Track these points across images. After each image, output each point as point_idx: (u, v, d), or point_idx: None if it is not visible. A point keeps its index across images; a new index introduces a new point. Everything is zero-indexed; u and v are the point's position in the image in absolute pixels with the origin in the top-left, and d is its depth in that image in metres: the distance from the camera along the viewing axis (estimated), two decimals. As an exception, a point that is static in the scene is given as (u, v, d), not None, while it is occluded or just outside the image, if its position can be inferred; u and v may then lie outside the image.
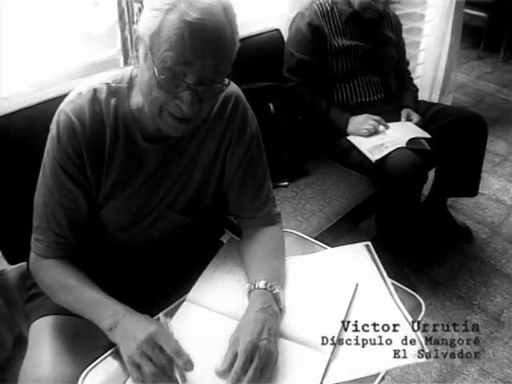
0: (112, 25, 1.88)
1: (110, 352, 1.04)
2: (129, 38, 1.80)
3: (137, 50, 1.00)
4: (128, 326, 0.99)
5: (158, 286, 1.23)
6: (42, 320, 1.19)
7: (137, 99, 1.08)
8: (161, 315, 1.06)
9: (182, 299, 1.16)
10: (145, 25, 0.95)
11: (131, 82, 1.10)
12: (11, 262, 1.48)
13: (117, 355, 1.01)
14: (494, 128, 3.72)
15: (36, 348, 1.13)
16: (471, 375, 1.95)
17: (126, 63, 1.88)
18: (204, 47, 0.92)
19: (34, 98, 1.46)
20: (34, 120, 1.14)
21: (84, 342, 1.14)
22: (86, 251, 1.18)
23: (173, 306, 1.15)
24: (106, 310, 1.03)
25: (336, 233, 1.96)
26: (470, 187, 2.52)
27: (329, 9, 2.26)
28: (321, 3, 2.26)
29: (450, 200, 2.80)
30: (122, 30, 1.80)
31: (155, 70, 0.93)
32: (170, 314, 1.10)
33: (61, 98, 1.12)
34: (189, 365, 0.94)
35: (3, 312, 1.70)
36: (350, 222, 2.09)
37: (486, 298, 2.32)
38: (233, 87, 1.17)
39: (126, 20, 1.77)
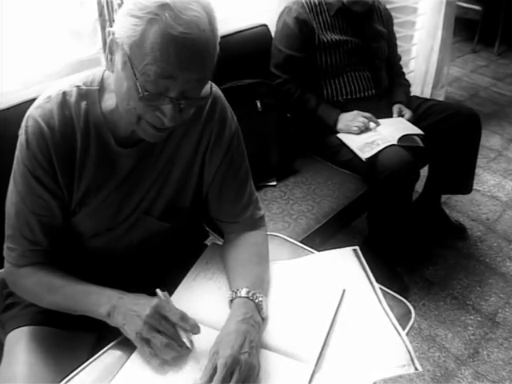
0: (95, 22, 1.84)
1: (86, 364, 1.01)
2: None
3: (111, 53, 0.96)
4: (128, 306, 1.00)
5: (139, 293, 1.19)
6: (18, 331, 1.16)
7: (110, 102, 1.05)
8: (157, 290, 1.05)
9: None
10: (123, 31, 0.89)
11: (102, 83, 1.06)
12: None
13: (95, 365, 1.00)
14: (489, 122, 3.70)
15: (11, 360, 1.11)
16: (465, 378, 1.91)
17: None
18: (190, 62, 0.88)
19: (19, 97, 1.45)
20: (20, 119, 1.12)
21: (60, 353, 1.12)
22: (62, 258, 1.15)
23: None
24: (99, 298, 1.03)
25: (326, 233, 1.92)
26: (465, 184, 2.48)
27: (317, 2, 2.20)
28: (309, -3, 2.21)
29: (443, 197, 2.77)
30: (103, 28, 1.75)
31: (138, 84, 0.89)
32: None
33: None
34: (195, 328, 0.98)
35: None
36: (341, 222, 2.05)
37: (481, 297, 2.29)
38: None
39: (107, 17, 1.71)
